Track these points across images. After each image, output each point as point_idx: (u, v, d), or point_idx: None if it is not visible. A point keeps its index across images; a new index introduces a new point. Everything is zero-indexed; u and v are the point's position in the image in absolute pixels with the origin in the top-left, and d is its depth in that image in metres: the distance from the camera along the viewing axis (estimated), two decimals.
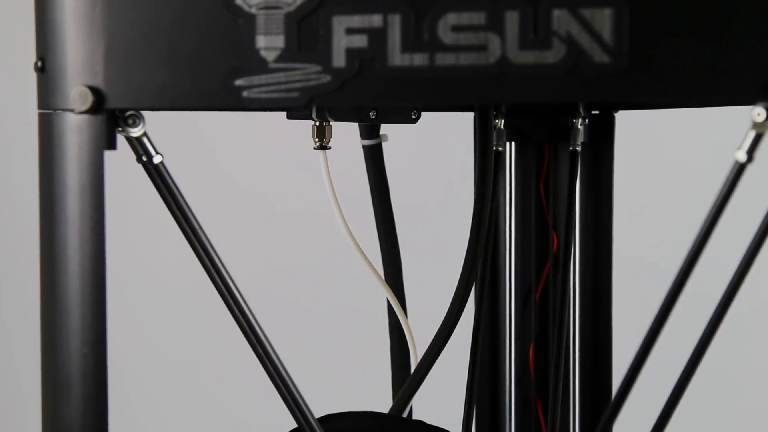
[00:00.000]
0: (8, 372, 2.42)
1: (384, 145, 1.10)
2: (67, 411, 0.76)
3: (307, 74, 0.73)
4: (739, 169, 0.71)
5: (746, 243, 0.79)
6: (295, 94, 0.73)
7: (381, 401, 1.04)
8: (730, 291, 0.81)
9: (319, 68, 0.73)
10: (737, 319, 1.18)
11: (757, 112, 0.68)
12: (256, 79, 0.73)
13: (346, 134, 1.10)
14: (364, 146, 1.10)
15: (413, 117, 1.03)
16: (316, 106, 0.99)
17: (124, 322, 2.12)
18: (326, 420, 0.90)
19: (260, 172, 2.23)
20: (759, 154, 0.71)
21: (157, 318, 2.31)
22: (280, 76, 0.73)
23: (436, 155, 2.07)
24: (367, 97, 0.73)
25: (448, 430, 0.93)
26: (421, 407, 1.08)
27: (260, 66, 0.73)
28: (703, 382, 1.05)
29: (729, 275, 0.79)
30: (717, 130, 1.37)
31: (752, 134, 0.70)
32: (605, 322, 1.17)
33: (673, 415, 0.88)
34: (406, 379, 1.07)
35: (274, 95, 0.73)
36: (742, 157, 0.71)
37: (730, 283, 0.81)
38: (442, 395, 1.23)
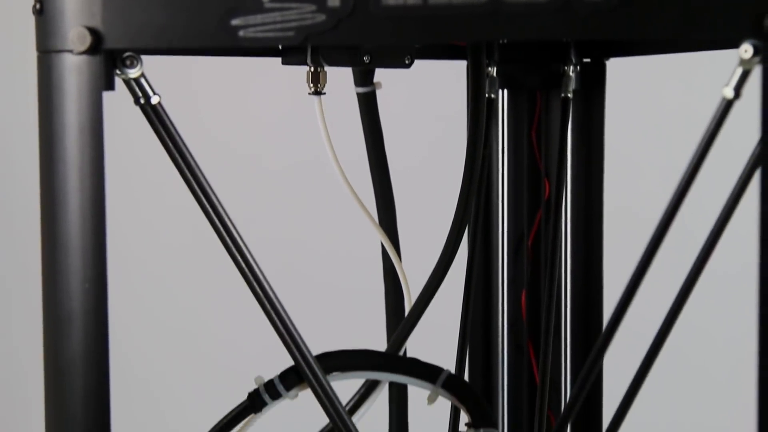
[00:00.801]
0: (6, 320, 2.43)
1: (378, 93, 1.11)
2: (68, 346, 0.77)
3: (302, 14, 0.74)
4: (726, 106, 0.72)
5: (733, 182, 0.81)
6: (290, 33, 0.74)
7: (375, 345, 1.06)
8: (717, 229, 0.83)
9: (314, 8, 0.74)
10: (723, 259, 1.19)
11: (744, 49, 0.69)
12: (252, 19, 0.74)
13: (342, 81, 1.11)
14: (358, 94, 1.11)
15: (407, 62, 1.04)
16: (311, 45, 1.00)
17: (122, 263, 2.14)
18: (321, 358, 0.91)
19: (256, 117, 2.24)
20: (746, 91, 0.72)
21: (155, 258, 2.33)
22: (275, 16, 0.74)
23: (430, 103, 2.08)
24: (362, 36, 0.74)
25: (443, 367, 0.95)
26: (414, 352, 1.10)
27: (256, 6, 0.74)
28: (687, 323, 1.06)
29: (718, 211, 0.81)
30: (706, 79, 1.38)
31: (739, 71, 0.71)
32: (596, 267, 1.19)
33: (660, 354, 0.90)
34: (400, 323, 1.09)
35: (270, 35, 0.75)
36: (729, 93, 0.72)
37: (716, 221, 0.82)
38: (435, 340, 1.25)
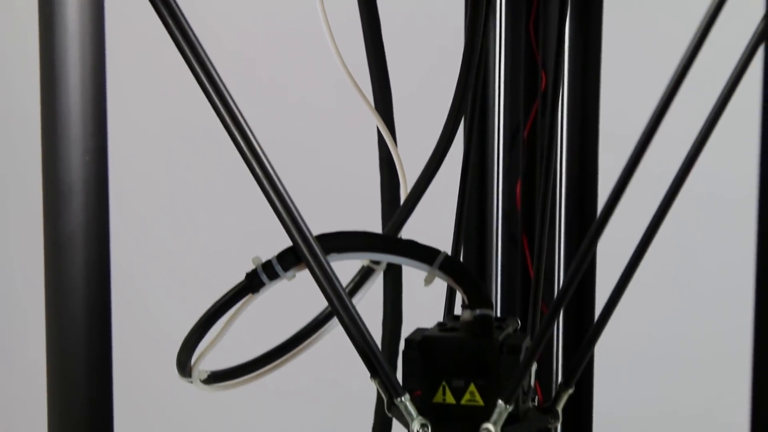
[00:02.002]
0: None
1: None
2: (69, 219, 0.77)
3: None
4: None
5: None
6: None
7: None
8: (717, 109, 0.83)
9: None
10: (722, 145, 1.19)
11: None
12: None
13: None
14: None
15: None
16: None
17: (121, 140, 2.14)
18: (319, 239, 0.91)
19: (259, 14, 2.24)
20: None
21: (154, 135, 2.34)
22: None
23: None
24: None
25: (440, 249, 0.95)
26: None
27: None
28: (681, 213, 1.07)
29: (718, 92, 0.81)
30: None
31: None
32: (591, 158, 1.19)
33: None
34: (396, 211, 1.09)
35: None
36: None
37: (716, 103, 0.83)
38: (430, 229, 1.25)
